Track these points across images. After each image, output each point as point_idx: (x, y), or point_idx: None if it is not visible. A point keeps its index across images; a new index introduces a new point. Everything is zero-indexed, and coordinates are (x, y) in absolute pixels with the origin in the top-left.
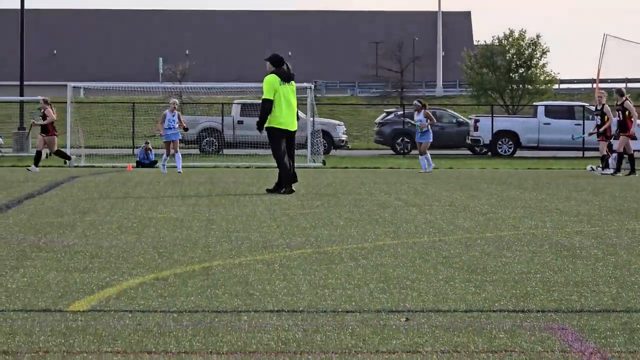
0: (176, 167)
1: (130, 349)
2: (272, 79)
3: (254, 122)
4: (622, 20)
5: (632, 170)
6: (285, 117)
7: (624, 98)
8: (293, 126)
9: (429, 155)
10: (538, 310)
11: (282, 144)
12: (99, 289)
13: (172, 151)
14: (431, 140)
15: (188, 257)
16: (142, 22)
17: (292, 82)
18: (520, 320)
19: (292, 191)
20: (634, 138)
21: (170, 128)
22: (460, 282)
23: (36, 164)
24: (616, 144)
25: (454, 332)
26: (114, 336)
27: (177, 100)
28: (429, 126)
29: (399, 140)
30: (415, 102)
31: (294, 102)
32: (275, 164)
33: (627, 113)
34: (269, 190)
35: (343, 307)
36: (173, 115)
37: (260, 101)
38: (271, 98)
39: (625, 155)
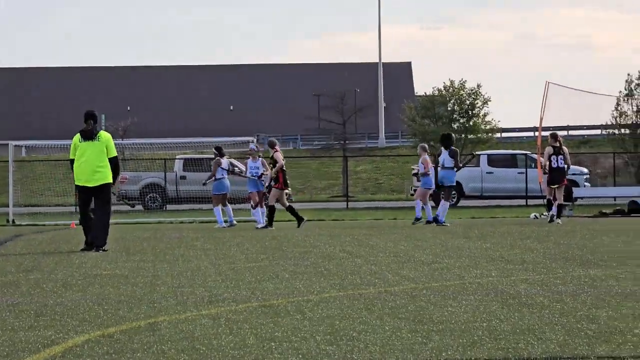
0: (256, 221)
1: None
2: (74, 138)
3: (197, 177)
4: (564, 68)
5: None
6: (81, 174)
7: (274, 150)
8: (90, 183)
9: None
10: (485, 359)
11: (83, 202)
12: (45, 347)
13: (252, 204)
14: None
15: (134, 314)
16: (84, 79)
17: (96, 139)
18: None
19: (89, 249)
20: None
21: (256, 177)
22: (407, 333)
23: None
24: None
25: None
26: None
27: (255, 146)
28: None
29: None
30: (251, 146)
31: (95, 159)
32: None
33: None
34: (83, 250)
35: None
36: (256, 162)
37: (200, 156)
38: (72, 157)
39: None
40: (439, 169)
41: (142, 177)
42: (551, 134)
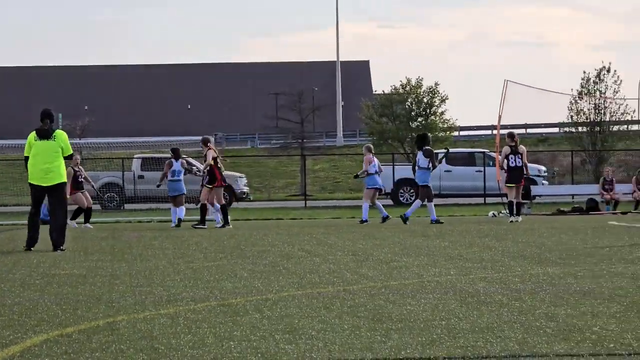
0: (214, 220)
1: None
2: (29, 136)
3: (155, 176)
4: (519, 66)
5: None
6: (35, 173)
7: (207, 147)
8: (44, 182)
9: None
10: (444, 358)
11: (36, 200)
12: (3, 347)
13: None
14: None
15: (92, 313)
16: (40, 78)
17: (52, 138)
18: None
19: (29, 249)
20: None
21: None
22: (366, 331)
23: None
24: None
25: None
26: None
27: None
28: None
29: None
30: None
31: (50, 158)
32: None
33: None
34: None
35: (249, 359)
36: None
37: (159, 155)
38: (26, 154)
39: None
40: (416, 168)
41: (99, 177)
42: (508, 134)
